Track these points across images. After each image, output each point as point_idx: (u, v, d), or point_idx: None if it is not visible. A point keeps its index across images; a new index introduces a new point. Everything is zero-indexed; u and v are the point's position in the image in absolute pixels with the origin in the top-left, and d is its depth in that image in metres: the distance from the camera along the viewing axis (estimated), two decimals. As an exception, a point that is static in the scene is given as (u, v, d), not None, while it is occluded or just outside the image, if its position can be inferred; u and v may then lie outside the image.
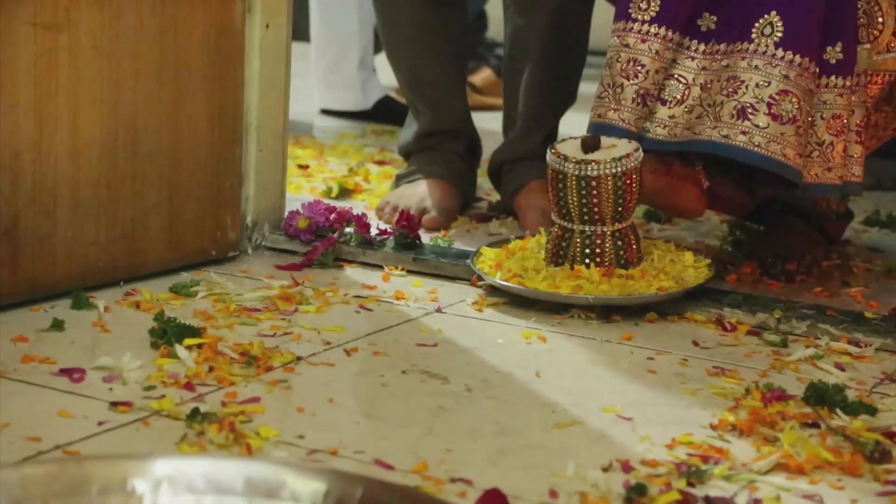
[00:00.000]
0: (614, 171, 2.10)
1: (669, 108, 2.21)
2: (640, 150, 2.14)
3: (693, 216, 2.38)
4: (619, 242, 2.14)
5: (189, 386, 1.68)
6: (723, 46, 2.20)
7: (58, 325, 1.88)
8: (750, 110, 2.14)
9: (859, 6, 2.22)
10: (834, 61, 2.20)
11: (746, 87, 2.15)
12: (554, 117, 2.75)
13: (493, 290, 2.17)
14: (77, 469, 1.23)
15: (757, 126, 2.14)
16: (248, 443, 1.50)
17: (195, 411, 1.55)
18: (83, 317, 1.95)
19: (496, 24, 4.19)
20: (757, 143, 2.14)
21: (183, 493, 1.23)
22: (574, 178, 2.11)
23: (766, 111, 2.14)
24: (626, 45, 2.24)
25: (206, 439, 1.51)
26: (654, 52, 2.22)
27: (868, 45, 2.22)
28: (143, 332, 1.85)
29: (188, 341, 1.80)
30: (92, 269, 2.07)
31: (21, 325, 1.89)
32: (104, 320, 1.94)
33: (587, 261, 2.13)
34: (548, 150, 2.16)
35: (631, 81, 2.22)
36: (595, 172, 2.10)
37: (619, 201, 2.12)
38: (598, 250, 2.14)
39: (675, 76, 2.22)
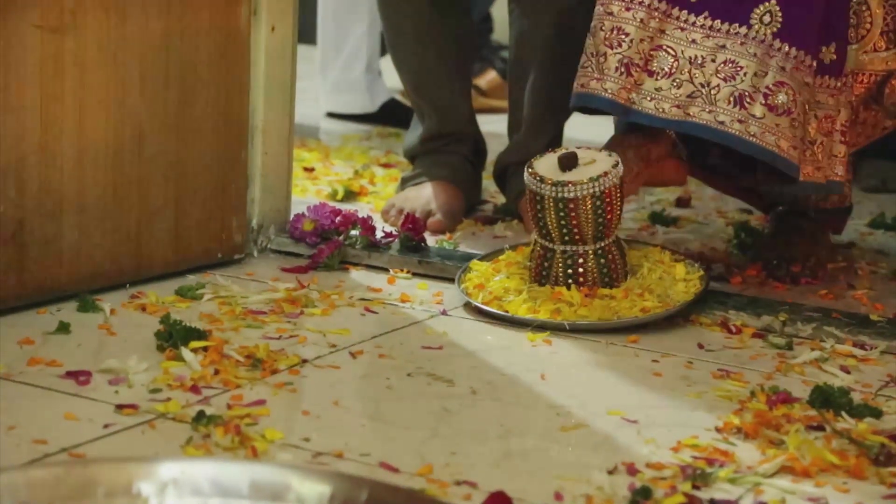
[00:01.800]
0: (592, 191, 2.06)
1: (656, 79, 2.17)
2: (620, 165, 2.10)
3: (679, 185, 2.41)
4: (602, 260, 2.10)
5: (195, 389, 1.68)
6: (718, 23, 2.17)
7: (64, 328, 1.88)
8: (747, 99, 2.13)
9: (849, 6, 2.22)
10: (828, 61, 2.20)
11: (745, 75, 2.14)
12: (559, 120, 2.75)
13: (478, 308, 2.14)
14: (83, 472, 1.23)
15: (753, 115, 2.13)
16: (253, 445, 1.50)
17: (201, 414, 1.56)
18: (89, 319, 1.95)
19: (501, 27, 4.19)
20: (752, 133, 2.13)
21: (188, 495, 1.23)
22: (552, 199, 2.06)
23: (763, 101, 2.13)
24: (610, 14, 2.19)
25: (212, 442, 1.51)
26: (638, 20, 2.18)
27: (856, 45, 2.22)
28: (149, 335, 1.85)
29: (194, 344, 1.80)
30: (98, 272, 2.08)
31: (27, 328, 1.89)
32: (110, 323, 1.94)
33: (569, 281, 2.10)
34: (525, 170, 2.12)
35: (614, 50, 2.18)
36: (573, 194, 2.06)
37: (599, 220, 2.07)
38: (580, 269, 2.09)
39: (664, 47, 2.18)
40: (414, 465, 1.48)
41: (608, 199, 2.07)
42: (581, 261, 2.09)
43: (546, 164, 2.11)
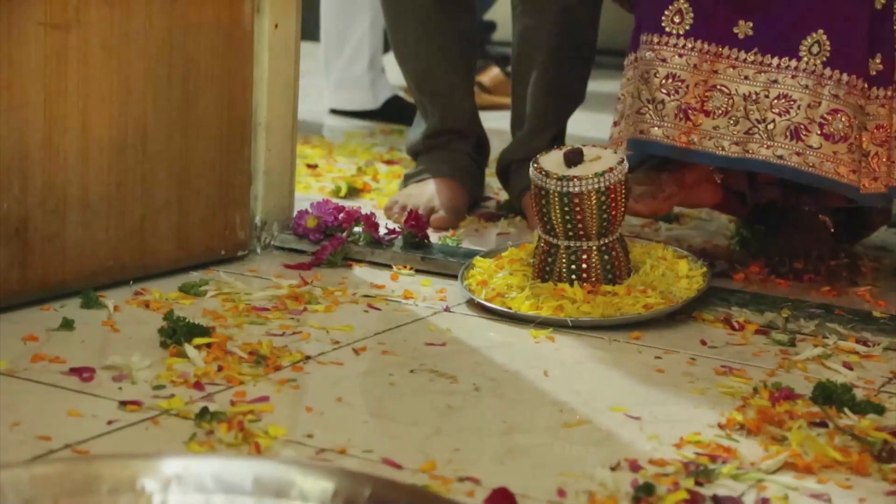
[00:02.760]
0: (597, 186, 2.06)
1: (713, 118, 2.22)
2: (625, 162, 2.10)
3: (711, 207, 2.44)
4: (606, 257, 2.10)
5: (198, 385, 1.68)
6: (768, 58, 2.20)
7: (68, 325, 1.89)
8: (803, 131, 2.16)
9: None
10: (875, 72, 2.22)
11: (799, 107, 2.17)
12: (562, 117, 2.75)
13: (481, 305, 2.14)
14: (87, 468, 1.23)
15: (810, 147, 2.17)
16: (256, 442, 1.50)
17: (204, 410, 1.56)
18: (93, 316, 1.96)
19: (504, 26, 4.19)
20: (811, 164, 2.18)
21: (192, 492, 1.23)
22: (556, 194, 2.07)
23: (819, 131, 2.16)
24: (664, 60, 2.23)
25: (216, 438, 1.51)
26: (692, 66, 2.22)
27: None
28: (153, 332, 1.86)
29: (197, 340, 1.81)
30: (101, 269, 2.08)
31: (31, 325, 1.89)
32: (114, 319, 1.95)
33: (573, 277, 2.10)
34: (530, 165, 2.12)
35: (671, 97, 2.22)
36: (577, 189, 2.06)
37: (603, 216, 2.08)
38: (584, 266, 2.10)
39: (718, 87, 2.22)
40: (417, 461, 1.49)
41: (613, 196, 2.07)
42: (585, 257, 2.10)
43: (552, 160, 2.11)
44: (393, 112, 3.97)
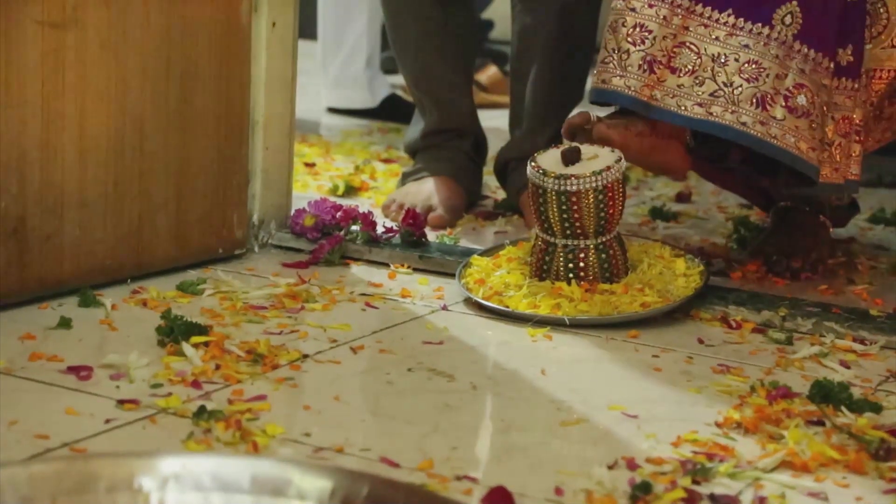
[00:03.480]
0: (595, 185, 2.06)
1: (679, 76, 2.17)
2: (622, 160, 2.10)
3: (677, 175, 2.38)
4: (604, 255, 2.10)
5: (196, 384, 1.68)
6: (741, 21, 2.17)
7: (65, 323, 1.89)
8: (769, 100, 2.13)
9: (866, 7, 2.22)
10: (845, 63, 2.21)
11: (767, 76, 2.14)
12: (560, 115, 2.74)
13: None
14: (84, 467, 1.23)
15: (774, 117, 2.13)
16: (254, 440, 1.50)
17: (202, 409, 1.56)
18: (90, 315, 1.96)
19: (502, 24, 4.19)
20: (773, 135, 2.13)
21: (190, 490, 1.23)
22: (554, 193, 2.06)
23: (783, 103, 2.14)
24: (633, 10, 2.19)
25: (213, 437, 1.51)
26: (661, 17, 2.18)
27: (869, 45, 2.23)
28: (150, 330, 1.86)
29: (195, 339, 1.81)
30: (99, 267, 2.08)
31: (28, 323, 1.89)
32: (111, 318, 1.95)
33: (570, 276, 2.10)
34: (528, 163, 2.12)
35: (637, 47, 2.18)
36: (575, 187, 2.05)
37: (601, 215, 2.07)
38: (581, 264, 2.09)
39: (688, 44, 2.17)
40: (414, 460, 1.49)
41: (610, 194, 2.07)
42: (582, 255, 2.10)
43: (549, 159, 2.11)
44: (390, 110, 3.97)
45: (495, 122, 3.28)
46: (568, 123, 2.22)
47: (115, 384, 1.68)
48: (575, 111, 2.46)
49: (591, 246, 2.09)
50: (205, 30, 2.20)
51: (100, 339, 1.86)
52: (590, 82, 2.77)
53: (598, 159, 2.10)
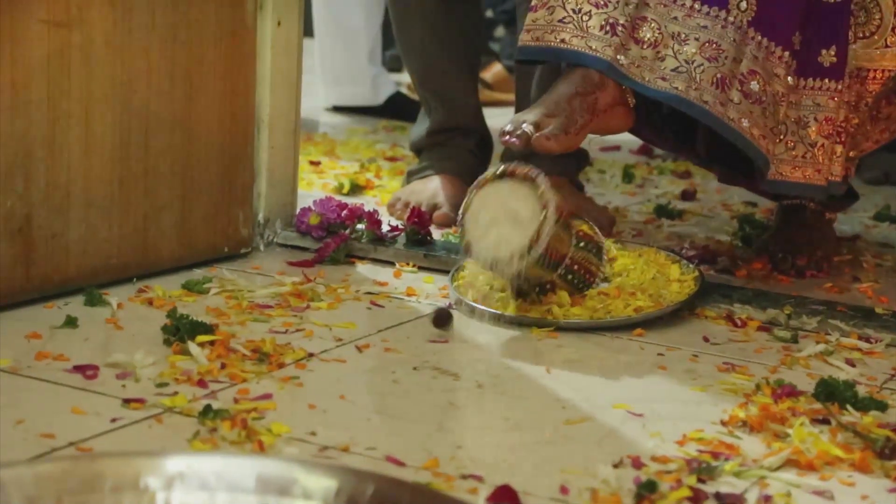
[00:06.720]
0: (534, 257, 1.95)
1: (642, 48, 2.14)
2: (548, 206, 1.95)
3: (624, 131, 2.33)
4: (570, 276, 2.06)
5: (201, 383, 1.68)
6: (698, 5, 2.15)
7: (71, 322, 1.89)
8: (727, 82, 2.13)
9: (855, 4, 2.21)
10: (828, 64, 2.21)
11: (726, 58, 2.13)
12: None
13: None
14: (90, 466, 1.23)
15: (731, 100, 2.13)
16: (260, 439, 1.50)
17: (207, 408, 1.56)
18: (96, 314, 1.96)
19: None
20: (731, 117, 2.13)
21: (195, 490, 1.24)
22: (512, 282, 2.02)
23: (739, 87, 2.13)
24: None
25: (219, 436, 1.51)
26: None
27: (856, 45, 2.22)
28: (156, 329, 1.86)
29: (200, 338, 1.81)
30: (105, 266, 2.08)
31: (34, 322, 1.89)
32: (117, 317, 1.95)
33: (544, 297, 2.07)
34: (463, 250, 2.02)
35: (600, 10, 2.14)
36: (516, 269, 1.96)
37: (550, 265, 2.01)
38: (555, 291, 2.06)
39: (648, 19, 2.15)
40: (420, 458, 1.49)
41: (551, 251, 1.99)
42: (549, 286, 2.06)
43: (481, 242, 2.00)
44: (395, 108, 3.97)
45: (500, 121, 3.28)
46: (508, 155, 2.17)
47: (120, 383, 1.68)
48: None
49: (556, 277, 2.06)
50: (210, 29, 2.20)
51: (105, 338, 1.86)
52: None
53: (521, 226, 1.98)
